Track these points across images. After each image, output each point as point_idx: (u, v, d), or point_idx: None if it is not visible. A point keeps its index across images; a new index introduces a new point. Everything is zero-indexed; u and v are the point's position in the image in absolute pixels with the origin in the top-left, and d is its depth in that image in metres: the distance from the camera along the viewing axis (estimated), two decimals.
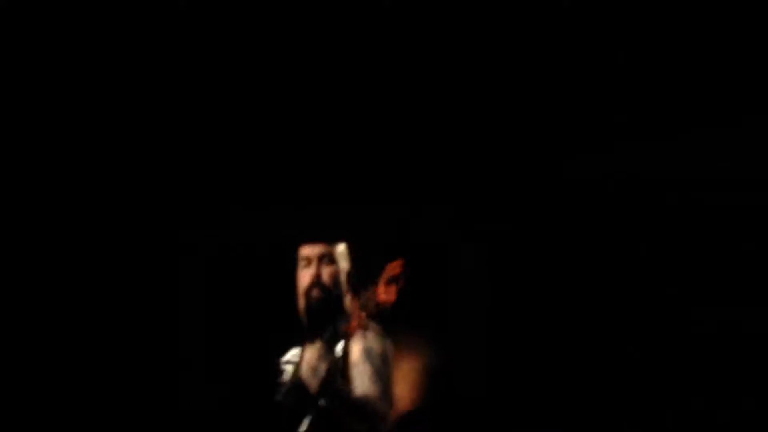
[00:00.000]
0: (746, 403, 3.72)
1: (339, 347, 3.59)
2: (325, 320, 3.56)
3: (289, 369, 3.64)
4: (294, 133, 3.77)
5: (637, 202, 3.86)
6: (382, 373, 3.56)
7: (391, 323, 3.54)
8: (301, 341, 3.68)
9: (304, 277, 3.67)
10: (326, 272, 3.65)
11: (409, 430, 3.62)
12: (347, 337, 3.52)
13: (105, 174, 3.72)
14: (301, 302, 3.68)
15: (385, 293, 3.49)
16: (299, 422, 3.51)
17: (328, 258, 3.67)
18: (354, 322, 3.50)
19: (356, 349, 3.59)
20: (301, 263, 3.70)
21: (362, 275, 3.69)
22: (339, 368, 3.51)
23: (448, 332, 3.74)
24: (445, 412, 3.72)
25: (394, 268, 3.52)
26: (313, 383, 3.49)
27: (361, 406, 3.46)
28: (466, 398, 3.74)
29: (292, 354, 3.69)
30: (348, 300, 3.66)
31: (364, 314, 3.50)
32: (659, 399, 3.76)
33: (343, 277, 3.70)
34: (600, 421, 3.74)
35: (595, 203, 3.87)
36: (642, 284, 3.82)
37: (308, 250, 3.69)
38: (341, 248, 3.74)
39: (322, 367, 3.48)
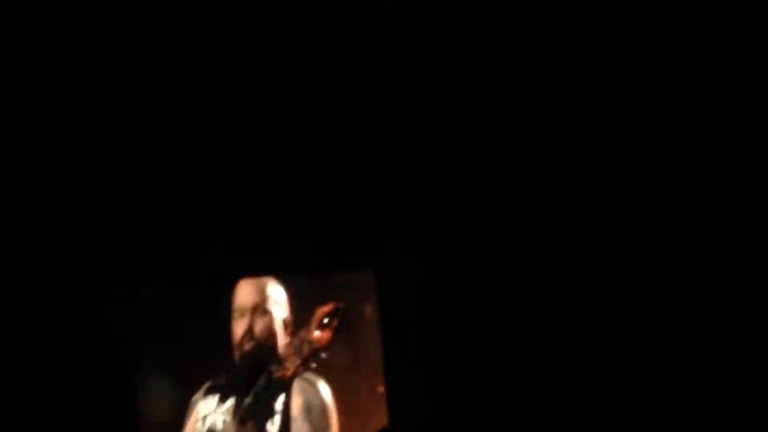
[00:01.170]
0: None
1: (280, 400, 3.49)
2: (257, 370, 3.49)
3: (213, 418, 3.57)
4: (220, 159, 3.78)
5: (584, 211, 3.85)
6: (322, 429, 3.54)
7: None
8: (228, 387, 3.63)
9: (237, 328, 3.64)
10: (259, 324, 3.62)
11: None
12: (283, 383, 3.44)
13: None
14: (236, 354, 3.64)
15: (320, 335, 3.41)
16: None
17: (262, 309, 3.64)
18: (289, 368, 3.41)
19: (296, 403, 3.55)
20: (235, 315, 3.66)
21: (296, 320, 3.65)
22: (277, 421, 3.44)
23: (389, 358, 3.67)
24: None
25: (325, 309, 3.46)
26: None
27: None
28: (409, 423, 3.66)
29: (208, 399, 3.63)
30: (283, 346, 3.60)
31: (299, 360, 3.42)
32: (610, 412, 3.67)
33: (279, 325, 3.66)
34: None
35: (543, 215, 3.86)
36: (588, 297, 3.77)
37: (242, 301, 3.65)
38: (280, 296, 3.69)
39: (250, 425, 3.39)
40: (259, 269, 3.75)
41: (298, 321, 3.64)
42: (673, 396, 3.67)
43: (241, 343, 3.61)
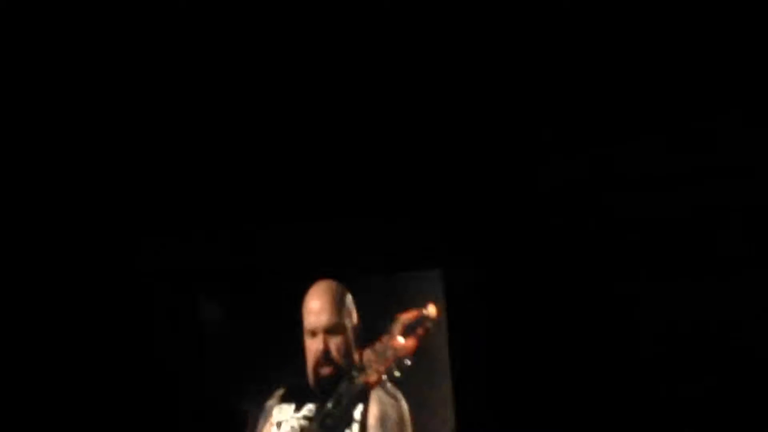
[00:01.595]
0: None
1: (358, 409, 3.42)
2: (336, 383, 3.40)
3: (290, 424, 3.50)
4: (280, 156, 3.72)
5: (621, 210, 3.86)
6: None
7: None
8: (304, 393, 3.54)
9: (312, 349, 3.51)
10: (334, 345, 3.49)
11: None
12: (363, 391, 3.34)
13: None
14: (311, 377, 3.53)
15: (405, 342, 3.33)
16: None
17: (335, 329, 3.51)
18: (373, 375, 3.32)
19: (373, 413, 3.46)
20: (308, 333, 3.54)
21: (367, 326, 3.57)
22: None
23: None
24: None
25: (409, 315, 3.37)
26: None
27: None
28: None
29: (283, 405, 3.56)
30: (357, 353, 3.51)
31: (383, 367, 3.33)
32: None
33: (351, 335, 3.56)
34: None
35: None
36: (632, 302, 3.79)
37: (314, 322, 3.51)
38: (350, 304, 3.60)
39: None
40: (326, 270, 3.67)
41: (365, 323, 3.58)
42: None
43: (317, 367, 3.49)
